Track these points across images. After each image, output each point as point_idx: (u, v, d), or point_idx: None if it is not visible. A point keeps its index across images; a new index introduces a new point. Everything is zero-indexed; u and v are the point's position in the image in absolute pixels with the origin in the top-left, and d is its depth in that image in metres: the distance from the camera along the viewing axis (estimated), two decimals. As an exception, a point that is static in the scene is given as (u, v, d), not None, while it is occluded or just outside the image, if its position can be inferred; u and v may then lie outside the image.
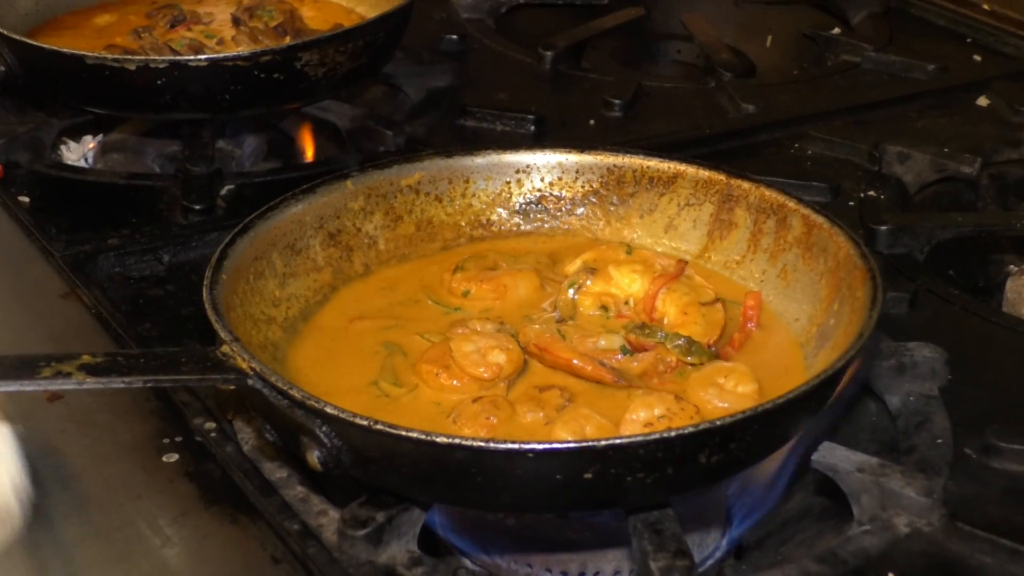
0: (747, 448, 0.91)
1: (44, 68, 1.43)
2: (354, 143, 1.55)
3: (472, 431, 0.95)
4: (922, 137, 1.55)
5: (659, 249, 1.17)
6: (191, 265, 1.29)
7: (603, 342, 1.04)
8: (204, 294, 0.99)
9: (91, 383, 0.91)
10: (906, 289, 1.24)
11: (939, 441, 1.04)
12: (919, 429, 1.06)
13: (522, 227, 1.21)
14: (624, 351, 1.04)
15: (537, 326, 1.06)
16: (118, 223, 1.34)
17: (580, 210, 1.20)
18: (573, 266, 1.14)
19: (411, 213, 1.18)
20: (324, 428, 0.89)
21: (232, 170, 1.56)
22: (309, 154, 1.66)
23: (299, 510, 0.96)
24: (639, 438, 0.86)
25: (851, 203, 1.42)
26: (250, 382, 0.93)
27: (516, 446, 0.86)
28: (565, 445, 0.87)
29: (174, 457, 1.01)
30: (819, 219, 1.09)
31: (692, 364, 1.03)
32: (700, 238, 1.17)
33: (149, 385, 0.93)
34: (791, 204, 1.12)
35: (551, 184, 1.20)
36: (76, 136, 1.62)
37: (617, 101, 1.63)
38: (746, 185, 1.15)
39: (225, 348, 0.94)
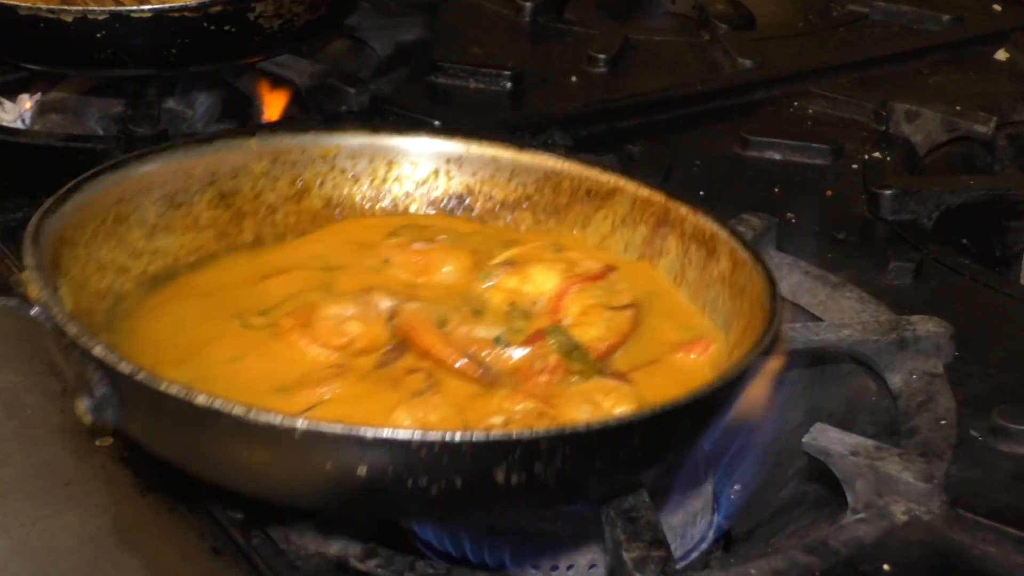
0: (556, 475, 0.84)
1: (-28, 21, 1.43)
2: (314, 102, 1.54)
3: (298, 402, 0.91)
4: (933, 94, 1.55)
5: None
6: (131, 233, 1.28)
7: (481, 331, 1.00)
8: (33, 219, 0.97)
9: None
10: (911, 258, 1.24)
11: (943, 422, 1.05)
12: (921, 409, 1.06)
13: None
14: (499, 342, 0.99)
15: (416, 305, 1.01)
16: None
17: (508, 216, 1.16)
18: (497, 259, 1.08)
19: (320, 188, 1.15)
20: (97, 373, 0.86)
21: (182, 131, 1.55)
22: (268, 114, 1.66)
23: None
24: (405, 435, 0.81)
25: (854, 166, 1.43)
26: (33, 312, 0.91)
27: (279, 420, 0.81)
28: (333, 428, 0.81)
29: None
30: (744, 255, 1.04)
31: (576, 372, 0.98)
32: (628, 263, 1.12)
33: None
34: (722, 235, 1.07)
35: (482, 180, 1.16)
36: (11, 95, 1.61)
37: (601, 56, 1.63)
38: (684, 210, 1.10)
39: (25, 274, 0.92)
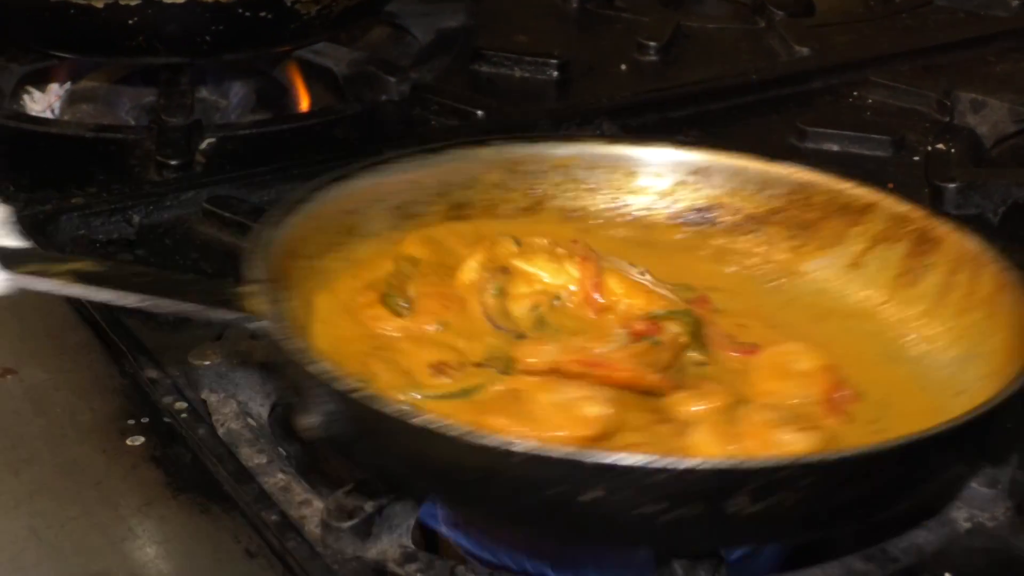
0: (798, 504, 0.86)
1: (1, 6, 1.44)
2: (352, 91, 1.55)
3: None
4: (1001, 83, 1.55)
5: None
6: (164, 227, 1.30)
7: (614, 343, 0.97)
8: (256, 229, 0.99)
9: (76, 291, 0.94)
10: (975, 254, 1.24)
11: (1008, 425, 1.04)
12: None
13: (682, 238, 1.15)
14: (656, 342, 0.97)
15: (548, 347, 0.98)
16: (84, 180, 1.35)
17: (758, 230, 1.14)
18: (468, 271, 1.04)
19: (555, 199, 1.15)
20: (320, 390, 0.89)
21: (216, 121, 1.57)
22: (304, 104, 1.67)
23: (279, 499, 0.97)
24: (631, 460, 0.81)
25: (916, 158, 1.42)
26: (252, 325, 0.93)
27: (498, 442, 0.82)
28: (554, 452, 0.82)
29: (139, 440, 1.01)
30: (1010, 278, 1.02)
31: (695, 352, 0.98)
32: (887, 282, 1.10)
33: (145, 305, 0.94)
34: (987, 256, 1.05)
35: (729, 193, 1.15)
36: (40, 84, 1.62)
37: (652, 44, 1.63)
38: (945, 228, 1.08)
39: (250, 287, 0.94)
